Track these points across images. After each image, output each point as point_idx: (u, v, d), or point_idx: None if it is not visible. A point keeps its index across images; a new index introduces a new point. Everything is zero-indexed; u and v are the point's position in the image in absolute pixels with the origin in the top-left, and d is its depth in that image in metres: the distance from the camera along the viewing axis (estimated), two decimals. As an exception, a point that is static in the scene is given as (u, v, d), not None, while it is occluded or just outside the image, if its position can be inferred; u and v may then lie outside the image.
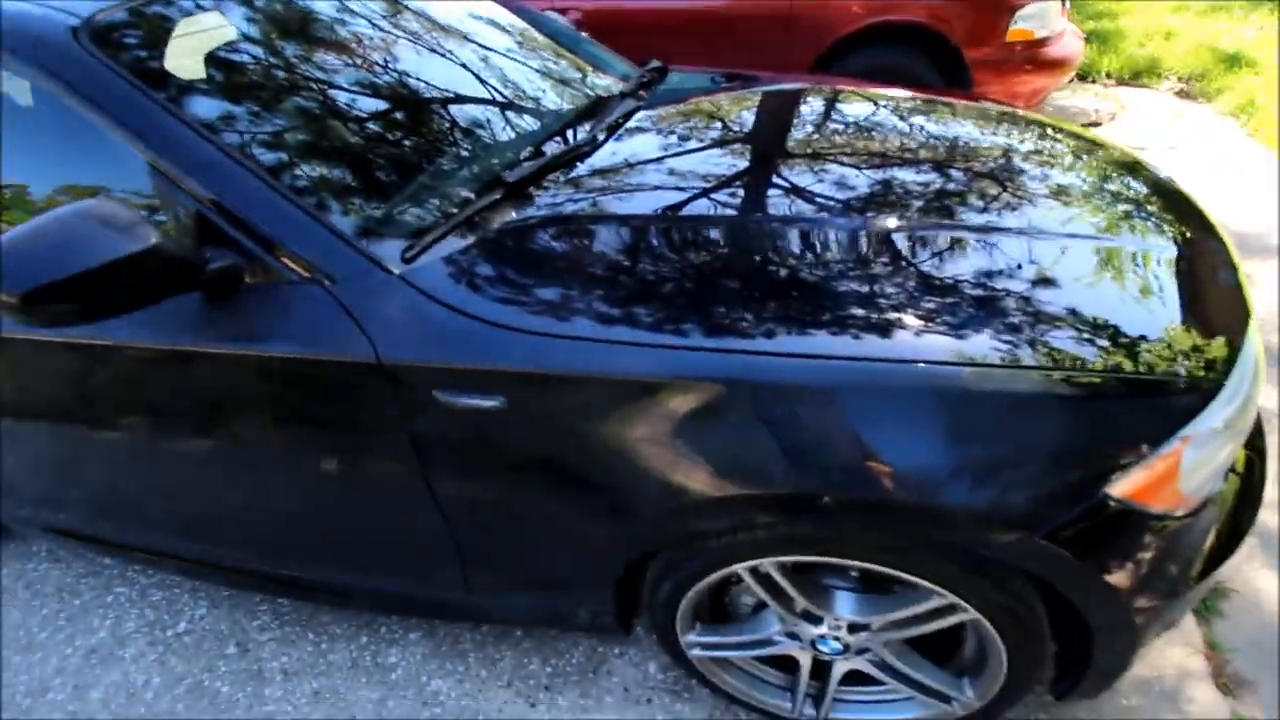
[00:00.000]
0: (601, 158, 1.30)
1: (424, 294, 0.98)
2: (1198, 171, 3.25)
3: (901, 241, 1.07)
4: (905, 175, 1.25)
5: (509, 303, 0.99)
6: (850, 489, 0.88)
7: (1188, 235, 1.16)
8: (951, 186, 1.22)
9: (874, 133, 1.42)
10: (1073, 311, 0.95)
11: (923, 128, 1.44)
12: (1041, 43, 3.14)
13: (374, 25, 1.44)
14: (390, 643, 1.56)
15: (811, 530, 0.95)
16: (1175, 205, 1.26)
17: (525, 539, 1.12)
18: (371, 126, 1.24)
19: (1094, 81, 4.38)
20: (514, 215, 1.14)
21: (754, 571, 1.06)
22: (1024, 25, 3.09)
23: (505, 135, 1.35)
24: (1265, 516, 1.65)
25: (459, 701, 1.44)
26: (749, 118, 1.51)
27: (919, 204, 1.16)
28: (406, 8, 1.56)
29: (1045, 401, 0.86)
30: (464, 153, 1.28)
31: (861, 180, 1.23)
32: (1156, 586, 0.94)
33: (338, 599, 1.50)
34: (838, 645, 1.14)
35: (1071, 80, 4.44)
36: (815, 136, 1.42)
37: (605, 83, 1.65)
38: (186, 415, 1.16)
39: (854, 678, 1.21)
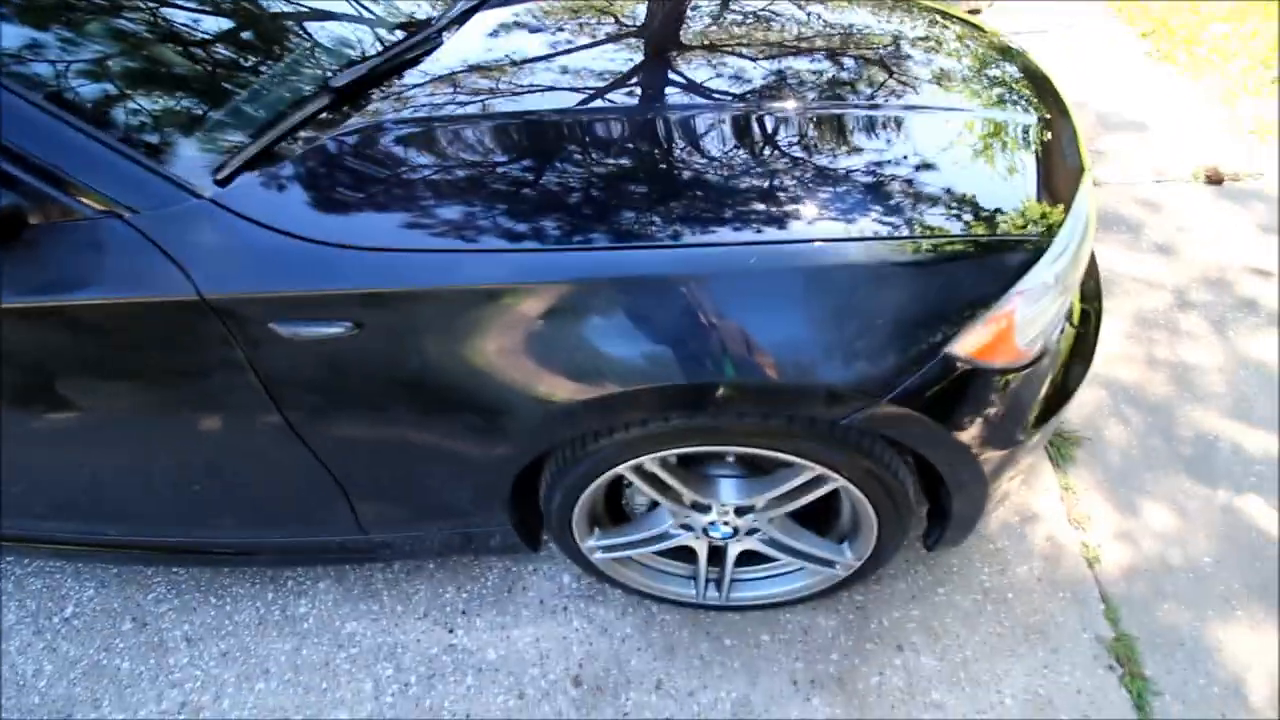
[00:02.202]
0: (442, 58, 1.20)
1: (242, 217, 0.89)
2: (1068, 53, 3.36)
3: (757, 125, 1.05)
4: (764, 60, 1.22)
5: (343, 219, 0.91)
6: (720, 376, 0.89)
7: (1037, 106, 1.19)
8: (821, 69, 1.19)
9: (743, 20, 1.37)
10: (917, 182, 0.97)
11: (799, 11, 1.40)
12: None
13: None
14: (299, 594, 1.53)
15: (686, 422, 0.97)
16: (1030, 82, 1.27)
17: (404, 468, 1.09)
18: (175, 33, 1.08)
19: (975, -31, 4.39)
20: (344, 125, 1.04)
21: (639, 471, 1.08)
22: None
23: (335, 38, 1.21)
24: (1116, 369, 1.81)
25: (375, 639, 1.44)
26: (600, 9, 1.42)
27: (782, 87, 1.14)
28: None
29: (888, 270, 0.89)
30: (288, 59, 1.14)
31: (724, 66, 1.19)
32: (1000, 436, 1.01)
33: (233, 559, 1.44)
34: (728, 530, 1.19)
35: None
36: (675, 26, 1.35)
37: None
38: (3, 386, 1.04)
39: (749, 557, 1.28)
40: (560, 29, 1.34)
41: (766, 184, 0.94)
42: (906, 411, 0.92)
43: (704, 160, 0.98)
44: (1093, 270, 1.31)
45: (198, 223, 0.89)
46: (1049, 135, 1.12)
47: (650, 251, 0.87)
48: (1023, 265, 0.92)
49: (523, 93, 1.12)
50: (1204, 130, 2.73)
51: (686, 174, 0.96)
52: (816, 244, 0.87)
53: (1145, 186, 2.47)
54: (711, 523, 1.18)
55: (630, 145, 1.02)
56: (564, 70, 1.18)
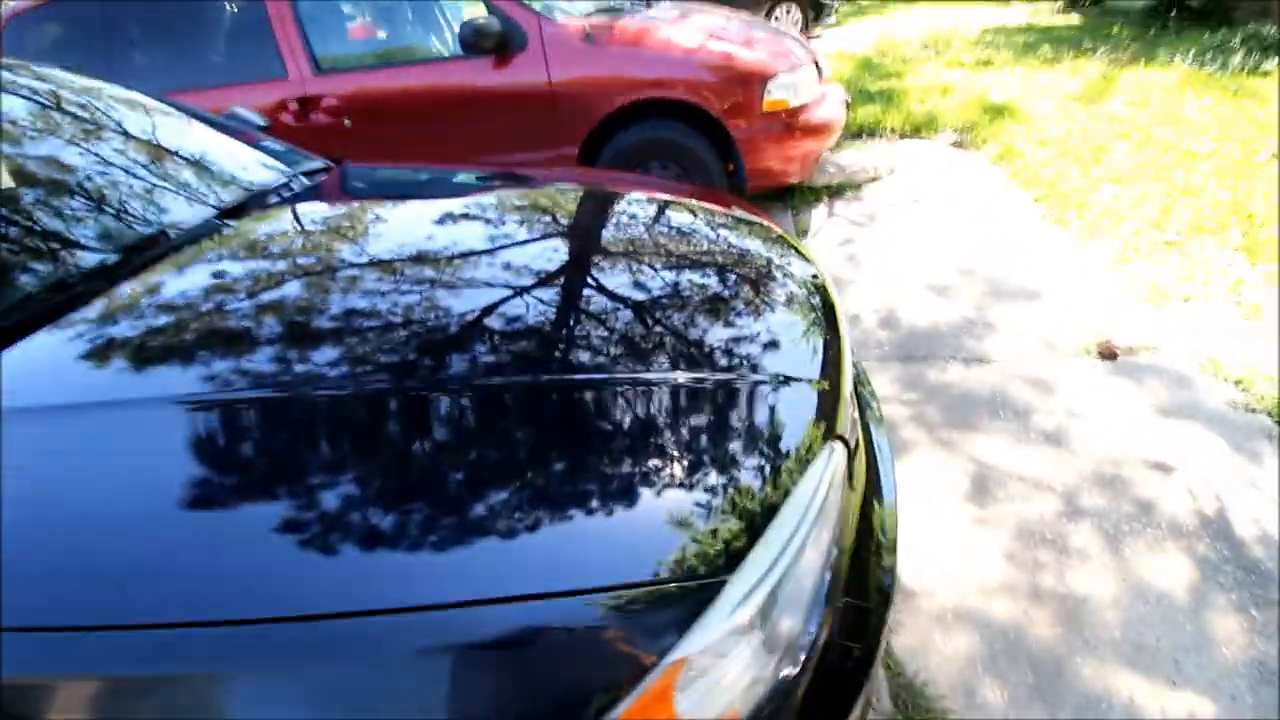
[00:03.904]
0: (121, 300, 1.03)
1: None
2: (964, 218, 3.39)
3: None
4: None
5: None
6: None
7: (764, 371, 0.98)
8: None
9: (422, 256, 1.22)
10: (539, 523, 0.73)
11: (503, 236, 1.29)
12: (799, 110, 3.22)
13: None
14: None
15: None
16: (791, 327, 1.11)
17: None
18: None
19: (880, 137, 4.62)
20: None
21: None
22: (778, 95, 3.16)
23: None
24: (995, 606, 1.54)
25: None
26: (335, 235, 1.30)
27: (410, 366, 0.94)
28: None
29: (503, 639, 0.66)
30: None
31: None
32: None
33: None
34: None
35: (861, 136, 4.69)
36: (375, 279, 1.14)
37: (199, 202, 1.38)
38: None
39: None
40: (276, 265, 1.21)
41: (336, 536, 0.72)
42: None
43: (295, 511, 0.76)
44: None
45: None
46: (774, 415, 0.93)
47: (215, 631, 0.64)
48: (683, 619, 0.69)
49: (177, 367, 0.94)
50: (1097, 298, 2.64)
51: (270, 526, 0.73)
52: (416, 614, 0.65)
53: (1035, 363, 2.32)
54: None
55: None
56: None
